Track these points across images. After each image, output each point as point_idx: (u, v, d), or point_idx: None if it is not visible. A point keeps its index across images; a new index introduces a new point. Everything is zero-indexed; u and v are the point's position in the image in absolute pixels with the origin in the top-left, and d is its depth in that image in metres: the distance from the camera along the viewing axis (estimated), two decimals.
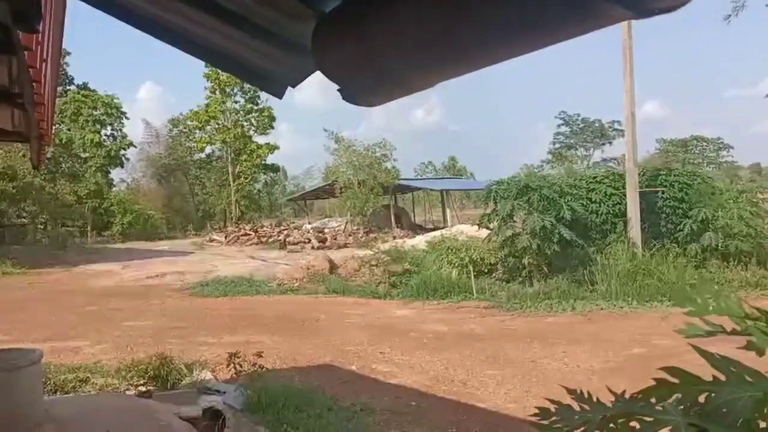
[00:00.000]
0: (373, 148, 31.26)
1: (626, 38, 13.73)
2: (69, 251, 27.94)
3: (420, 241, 19.25)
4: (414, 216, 38.75)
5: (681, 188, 14.08)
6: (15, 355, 4.94)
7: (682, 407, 1.06)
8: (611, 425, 1.12)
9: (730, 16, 15.76)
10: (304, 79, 2.53)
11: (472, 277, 13.30)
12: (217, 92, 43.03)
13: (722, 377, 1.06)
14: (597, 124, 59.84)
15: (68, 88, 40.84)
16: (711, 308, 1.13)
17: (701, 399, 1.06)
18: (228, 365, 6.95)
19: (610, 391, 1.26)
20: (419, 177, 54.55)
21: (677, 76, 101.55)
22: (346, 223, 32.16)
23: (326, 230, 30.72)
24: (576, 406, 1.24)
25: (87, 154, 40.23)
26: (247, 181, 44.31)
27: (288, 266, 18.14)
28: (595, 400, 1.23)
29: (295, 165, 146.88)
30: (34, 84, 3.16)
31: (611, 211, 14.08)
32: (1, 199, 29.19)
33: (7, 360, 4.80)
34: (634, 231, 13.48)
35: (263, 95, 43.22)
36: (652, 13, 1.08)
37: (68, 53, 39.42)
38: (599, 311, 11.01)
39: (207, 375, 7.10)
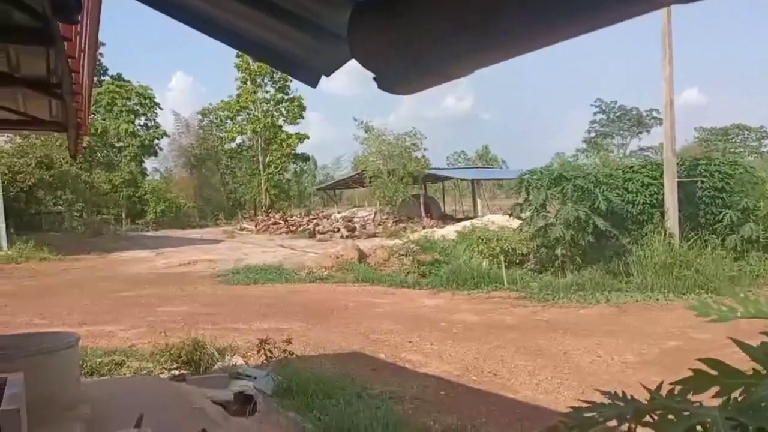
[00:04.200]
0: (403, 137, 31.13)
1: (666, 24, 13.36)
2: (104, 238, 28.58)
3: (450, 230, 19.14)
4: (444, 206, 38.57)
5: (721, 178, 13.70)
6: (53, 339, 5.04)
7: (720, 401, 1.03)
8: (646, 418, 1.09)
9: None
10: (338, 67, 2.49)
11: (503, 268, 13.17)
12: (248, 82, 43.39)
13: (762, 370, 1.03)
14: (634, 112, 58.70)
15: (103, 78, 41.59)
16: (739, 313, 1.11)
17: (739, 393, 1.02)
18: (258, 351, 7.01)
19: (644, 387, 1.20)
20: (450, 166, 54.27)
21: (718, 63, 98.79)
22: (375, 212, 32.17)
23: (355, 219, 30.79)
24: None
25: (121, 144, 41.01)
26: (277, 170, 44.65)
27: (317, 255, 18.22)
28: (630, 397, 1.18)
29: (325, 154, 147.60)
30: (72, 74, 3.18)
31: (648, 202, 13.79)
32: (39, 187, 29.95)
33: (46, 343, 4.90)
34: (672, 221, 13.18)
35: (293, 85, 43.38)
36: None
37: (103, 44, 40.13)
38: (634, 303, 10.79)
39: (238, 360, 7.16)
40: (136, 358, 7.22)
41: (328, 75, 2.63)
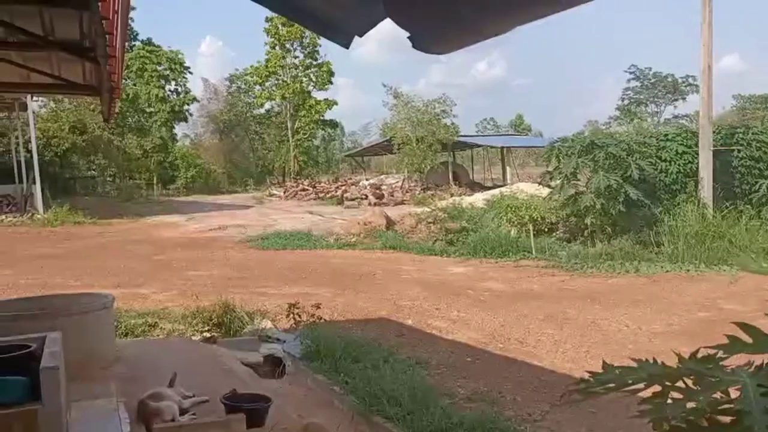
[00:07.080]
0: (433, 103, 30.76)
1: None
2: (136, 203, 29.13)
3: (478, 198, 19.03)
4: (472, 173, 38.25)
5: (759, 147, 13.29)
6: (89, 300, 5.20)
7: (751, 368, 1.03)
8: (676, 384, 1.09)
9: None
10: (372, 27, 2.43)
11: (532, 236, 13.07)
12: (277, 47, 43.09)
13: None
14: (670, 79, 56.92)
15: (134, 43, 41.73)
16: None
17: None
18: (287, 315, 7.13)
19: (677, 355, 1.19)
20: (480, 134, 53.62)
21: (759, 28, 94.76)
22: (404, 179, 32.06)
23: (383, 187, 30.73)
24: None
25: (152, 109, 41.31)
26: (306, 136, 44.62)
27: (345, 221, 18.31)
28: (660, 362, 1.18)
29: (353, 121, 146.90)
30: (107, 36, 3.19)
31: (682, 171, 13.49)
32: (72, 151, 30.52)
33: (82, 303, 5.06)
34: (706, 191, 12.88)
35: (322, 50, 42.97)
36: None
37: (133, 8, 40.16)
38: (664, 274, 10.65)
39: (267, 324, 7.31)
40: (168, 320, 7.40)
41: (361, 35, 2.58)
